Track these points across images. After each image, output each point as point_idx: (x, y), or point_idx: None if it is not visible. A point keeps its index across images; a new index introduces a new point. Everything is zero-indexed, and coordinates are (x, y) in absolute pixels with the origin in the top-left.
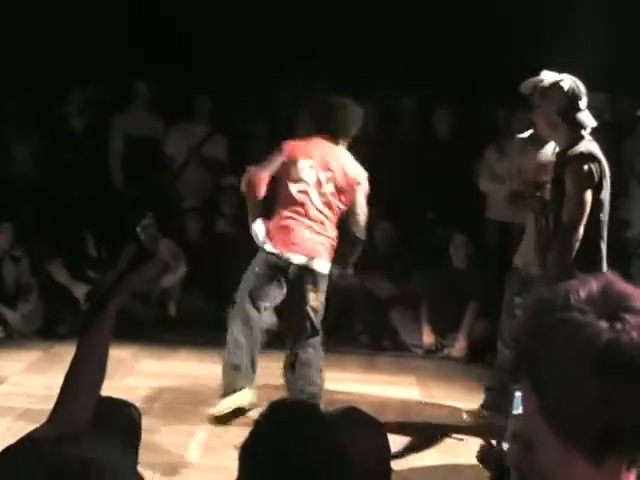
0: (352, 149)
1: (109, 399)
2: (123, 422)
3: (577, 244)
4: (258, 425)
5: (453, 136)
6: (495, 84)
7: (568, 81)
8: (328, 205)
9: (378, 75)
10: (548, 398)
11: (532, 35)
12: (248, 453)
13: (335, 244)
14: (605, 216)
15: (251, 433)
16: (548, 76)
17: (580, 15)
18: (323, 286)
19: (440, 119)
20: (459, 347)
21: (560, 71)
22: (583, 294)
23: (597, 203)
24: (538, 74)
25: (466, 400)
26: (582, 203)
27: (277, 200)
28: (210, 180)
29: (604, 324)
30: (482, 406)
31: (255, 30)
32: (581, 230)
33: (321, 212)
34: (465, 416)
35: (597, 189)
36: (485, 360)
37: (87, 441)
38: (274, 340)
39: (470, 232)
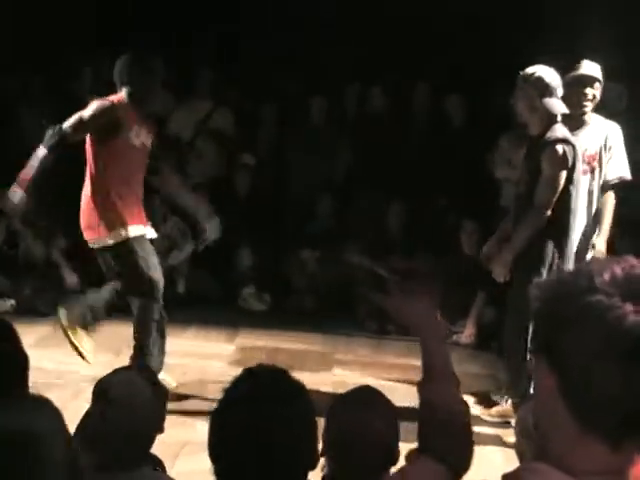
0: (365, 133)
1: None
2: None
3: (543, 223)
4: (232, 392)
5: (467, 123)
6: (509, 71)
7: (548, 70)
8: None
9: (392, 60)
10: (570, 380)
11: (547, 23)
12: (220, 422)
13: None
14: (577, 198)
15: (224, 400)
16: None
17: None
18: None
19: (454, 105)
20: (468, 334)
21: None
22: (607, 277)
23: (569, 184)
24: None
25: (474, 387)
26: (556, 184)
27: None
28: (218, 156)
29: (629, 307)
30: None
31: (267, 11)
32: (549, 212)
33: None
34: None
35: (570, 171)
36: (493, 347)
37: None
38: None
39: (482, 220)
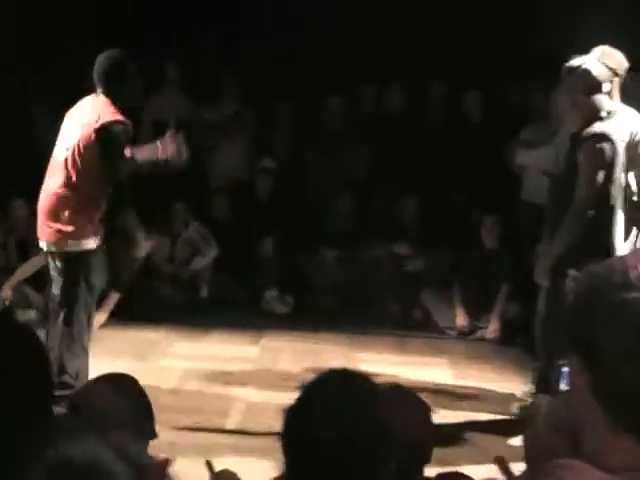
0: (381, 132)
1: (117, 376)
2: (137, 398)
3: (583, 223)
4: (304, 398)
5: (484, 118)
6: (527, 66)
7: (596, 64)
8: None
9: (409, 58)
10: (603, 377)
11: (564, 17)
12: (292, 428)
13: None
14: (617, 195)
15: (296, 406)
16: (579, 60)
17: None
18: None
19: (471, 102)
20: (492, 329)
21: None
22: None
23: (609, 182)
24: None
25: (499, 381)
26: (594, 182)
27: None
28: (239, 160)
29: None
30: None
31: (285, 11)
32: (590, 210)
33: None
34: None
35: (609, 168)
36: (518, 342)
37: (92, 440)
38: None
39: (502, 213)
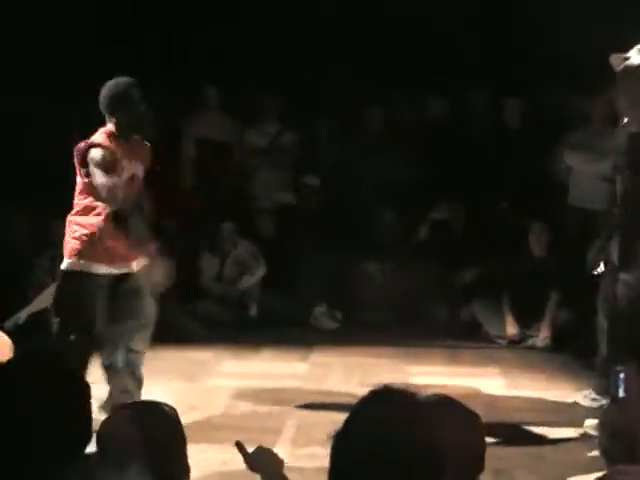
0: (424, 140)
1: (143, 404)
2: (164, 426)
3: None
4: (357, 413)
5: (525, 124)
6: (567, 71)
7: None
8: None
9: (449, 67)
10: None
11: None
12: (343, 442)
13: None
14: None
15: (349, 421)
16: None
17: None
18: None
19: (512, 109)
20: (543, 337)
21: None
22: None
23: None
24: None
25: (551, 389)
26: None
27: None
28: (283, 178)
29: None
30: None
31: (326, 27)
32: None
33: None
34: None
35: None
36: (569, 349)
37: (132, 469)
38: None
39: (549, 220)
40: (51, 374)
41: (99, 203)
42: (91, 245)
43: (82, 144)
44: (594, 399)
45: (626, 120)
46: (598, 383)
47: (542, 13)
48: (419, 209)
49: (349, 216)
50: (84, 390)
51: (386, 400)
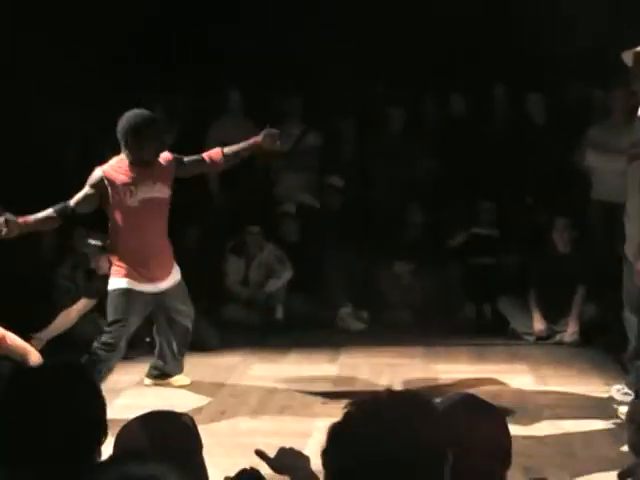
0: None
1: (157, 413)
2: (176, 435)
3: None
4: (353, 412)
5: (547, 120)
6: (589, 65)
7: None
8: None
9: (470, 63)
10: None
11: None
12: (338, 439)
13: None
14: None
15: (343, 420)
16: None
17: None
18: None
19: (534, 104)
20: (570, 332)
21: None
22: None
23: None
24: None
25: (581, 384)
26: None
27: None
28: (307, 180)
29: None
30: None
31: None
32: None
33: None
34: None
35: None
36: (597, 343)
37: (151, 459)
38: None
39: (573, 215)
40: (73, 383)
41: None
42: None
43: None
44: (626, 393)
45: None
46: (630, 378)
47: (563, 7)
48: (444, 207)
49: (374, 216)
50: (101, 400)
51: (384, 402)
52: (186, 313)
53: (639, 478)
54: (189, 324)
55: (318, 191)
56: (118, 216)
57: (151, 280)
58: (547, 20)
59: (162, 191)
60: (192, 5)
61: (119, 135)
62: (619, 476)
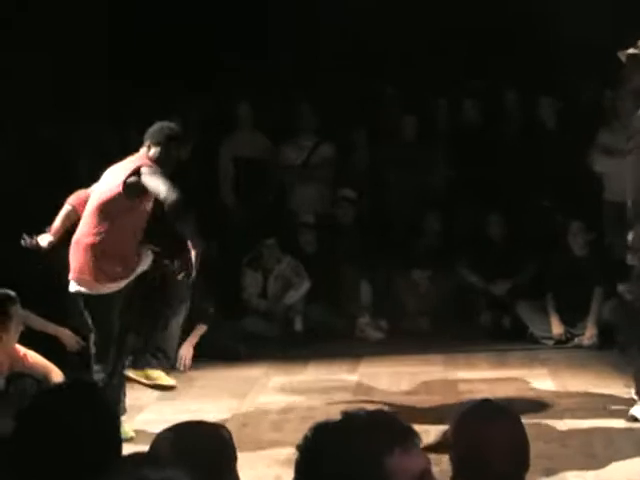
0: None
1: (193, 425)
2: (212, 446)
3: None
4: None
5: (561, 123)
6: (599, 66)
7: None
8: None
9: (480, 68)
10: None
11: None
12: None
13: None
14: None
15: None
16: None
17: None
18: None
19: (545, 108)
20: (589, 335)
21: None
22: None
23: None
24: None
25: (601, 387)
26: None
27: None
28: (323, 192)
29: None
30: None
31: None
32: None
33: None
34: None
35: None
36: (616, 346)
37: (168, 465)
38: None
39: (588, 217)
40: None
41: None
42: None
43: None
44: None
45: None
46: None
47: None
48: (459, 213)
49: (390, 225)
50: (113, 417)
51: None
52: None
53: None
54: None
55: (332, 203)
56: (133, 218)
57: None
58: (559, 21)
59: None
60: (202, 19)
61: (152, 138)
62: None
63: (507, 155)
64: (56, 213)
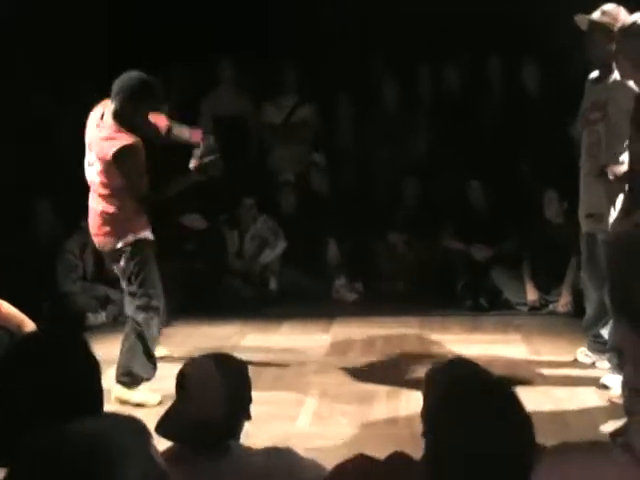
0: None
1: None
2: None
3: None
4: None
5: (542, 92)
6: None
7: None
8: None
9: (463, 35)
10: None
11: None
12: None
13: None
14: None
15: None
16: (614, 10)
17: None
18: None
19: (528, 76)
20: (564, 302)
21: None
22: None
23: None
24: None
25: (574, 354)
26: None
27: None
28: (302, 153)
29: None
30: None
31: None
32: None
33: None
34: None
35: None
36: None
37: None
38: None
39: (566, 186)
40: (69, 351)
41: None
42: None
43: None
44: (587, 355)
45: (631, 83)
46: (589, 341)
47: None
48: (440, 180)
49: (369, 189)
50: (95, 362)
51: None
52: None
53: (630, 437)
54: None
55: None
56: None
57: None
58: None
59: None
60: (202, 19)
61: (115, 93)
62: (611, 435)
63: (490, 122)
64: None
